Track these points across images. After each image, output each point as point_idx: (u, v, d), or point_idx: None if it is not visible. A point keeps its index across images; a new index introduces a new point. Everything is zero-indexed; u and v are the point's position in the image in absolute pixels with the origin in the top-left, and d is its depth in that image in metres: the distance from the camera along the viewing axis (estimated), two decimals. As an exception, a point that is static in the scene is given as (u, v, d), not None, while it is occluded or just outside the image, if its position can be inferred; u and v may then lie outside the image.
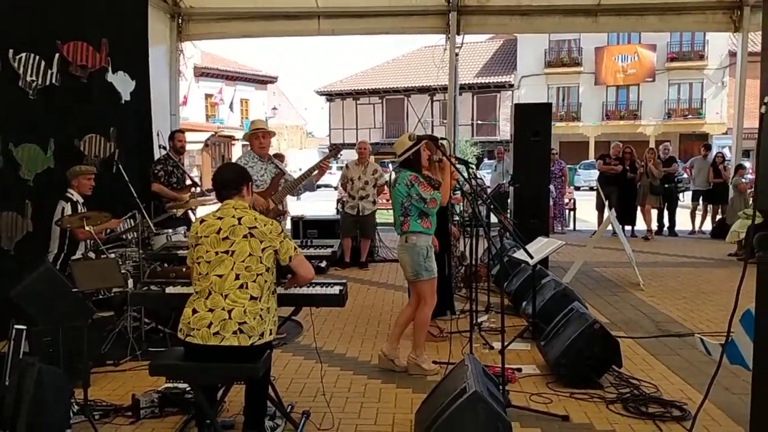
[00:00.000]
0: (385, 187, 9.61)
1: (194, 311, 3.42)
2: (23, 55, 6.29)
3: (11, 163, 6.16)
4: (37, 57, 6.48)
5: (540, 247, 5.91)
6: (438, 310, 5.96)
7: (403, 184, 4.94)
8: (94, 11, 7.44)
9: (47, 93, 6.64)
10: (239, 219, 3.48)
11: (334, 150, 6.77)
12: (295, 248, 3.63)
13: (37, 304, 4.81)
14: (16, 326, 4.20)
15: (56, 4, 6.76)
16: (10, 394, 3.65)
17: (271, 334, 3.51)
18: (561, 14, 11.92)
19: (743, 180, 11.86)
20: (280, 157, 6.85)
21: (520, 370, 5.02)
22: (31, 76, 6.41)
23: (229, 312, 3.37)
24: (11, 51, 6.13)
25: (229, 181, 3.66)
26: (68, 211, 5.88)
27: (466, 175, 5.18)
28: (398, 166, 5.26)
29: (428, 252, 4.95)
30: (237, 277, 3.41)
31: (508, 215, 9.52)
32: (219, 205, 3.65)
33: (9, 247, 6.10)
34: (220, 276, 3.42)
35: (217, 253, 3.44)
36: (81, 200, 6.11)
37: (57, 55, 6.81)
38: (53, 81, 6.74)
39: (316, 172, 6.02)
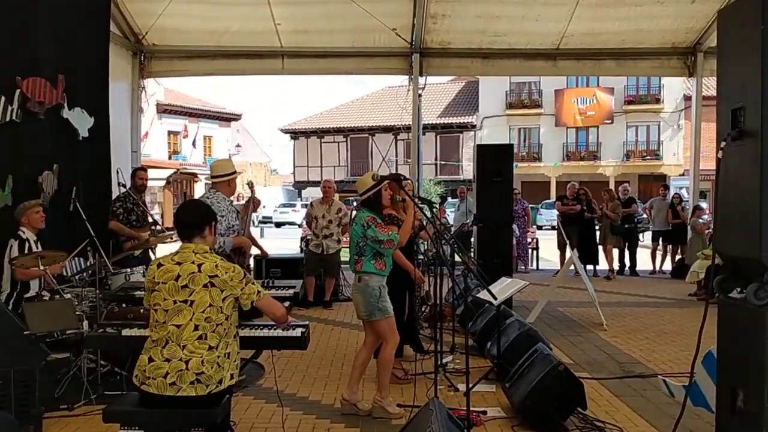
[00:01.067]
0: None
1: (150, 359, 3.29)
2: (-21, 92, 6.19)
3: (-30, 200, 6.01)
4: (-3, 93, 6.39)
5: (503, 288, 5.90)
6: (401, 346, 5.94)
7: (359, 224, 4.92)
8: (52, 47, 7.35)
9: (7, 129, 6.52)
10: (199, 266, 3.33)
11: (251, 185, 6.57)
12: (258, 292, 3.50)
13: (-13, 347, 4.63)
14: (-36, 370, 4.03)
15: (15, 40, 6.66)
16: (-46, 442, 3.48)
17: (232, 378, 3.40)
18: (521, 57, 12.17)
19: (701, 221, 12.10)
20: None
21: (485, 412, 4.96)
22: (-12, 112, 6.30)
23: (186, 363, 3.25)
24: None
25: (193, 221, 3.49)
26: (15, 249, 5.71)
27: (429, 214, 5.17)
28: (359, 205, 5.24)
29: (381, 292, 4.91)
30: (196, 328, 3.29)
31: (472, 254, 9.54)
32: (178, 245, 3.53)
33: (-38, 288, 5.89)
34: (178, 326, 3.29)
35: (175, 302, 3.30)
36: (33, 237, 5.94)
37: (18, 91, 6.71)
38: (14, 117, 6.64)
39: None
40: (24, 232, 5.88)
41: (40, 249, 5.88)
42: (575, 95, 37.43)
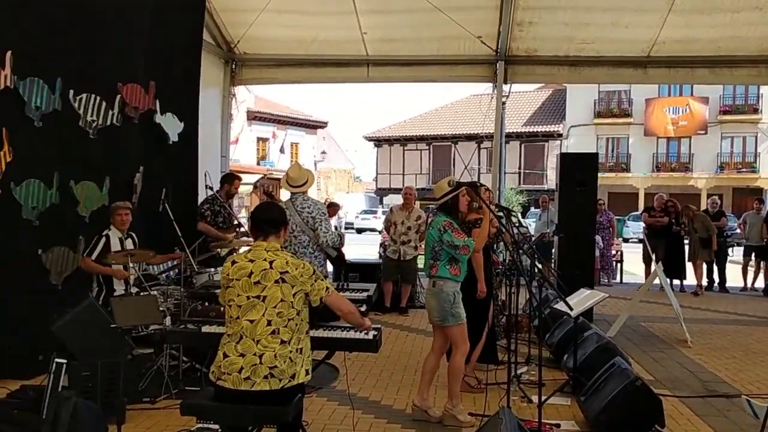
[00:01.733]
0: None
1: (225, 355, 3.42)
2: (84, 95, 6.54)
3: (70, 199, 6.36)
4: (98, 98, 6.73)
5: (581, 299, 5.78)
6: (482, 355, 5.91)
7: (435, 229, 4.93)
8: (147, 54, 7.68)
9: (107, 132, 6.87)
10: (271, 263, 3.46)
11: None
12: (327, 288, 3.60)
13: (78, 339, 4.90)
14: (57, 360, 4.27)
15: (113, 48, 7.01)
16: (45, 427, 3.69)
17: (307, 374, 3.50)
18: (610, 65, 11.86)
19: (798, 236, 11.50)
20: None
21: (558, 425, 4.88)
22: (91, 116, 6.65)
23: (260, 357, 3.36)
24: (71, 91, 6.37)
25: (270, 220, 3.64)
26: (99, 247, 5.99)
27: (508, 222, 5.14)
28: (435, 210, 5.27)
29: (455, 297, 4.90)
30: (269, 323, 3.40)
31: (552, 265, 9.38)
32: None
33: (57, 282, 6.24)
34: (252, 321, 3.40)
35: (248, 298, 3.42)
36: (119, 235, 6.20)
37: (118, 96, 7.07)
38: (114, 121, 6.99)
39: None
40: (110, 230, 6.17)
41: (125, 248, 6.15)
42: (667, 104, 36.22)
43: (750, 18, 10.59)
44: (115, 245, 6.08)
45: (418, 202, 10.63)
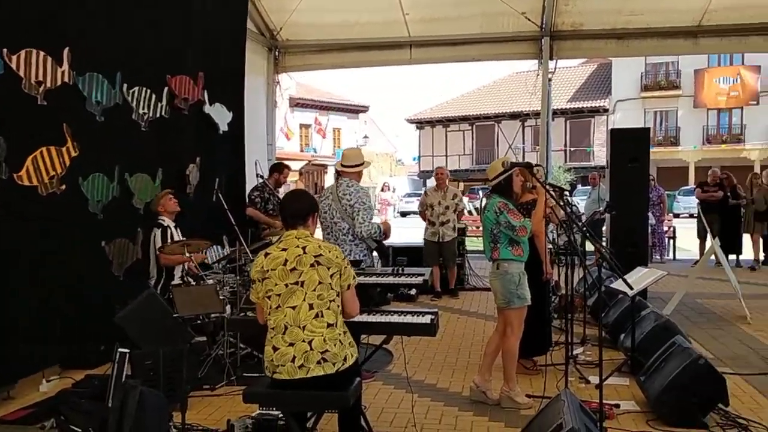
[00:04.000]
0: (466, 212, 9.41)
1: (275, 348, 3.41)
2: (136, 89, 6.64)
3: (126, 191, 6.50)
4: (148, 90, 6.83)
5: (640, 278, 5.69)
6: (537, 346, 5.81)
7: (492, 211, 4.87)
8: (194, 45, 7.77)
9: (157, 125, 6.98)
10: (303, 248, 3.45)
11: None
12: (354, 277, 3.61)
13: (140, 329, 5.01)
14: (120, 350, 4.37)
15: (162, 40, 7.09)
16: (113, 415, 3.79)
17: (353, 356, 3.50)
18: (659, 36, 11.55)
19: None
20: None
21: (618, 406, 4.82)
22: (143, 108, 6.76)
23: (310, 343, 3.36)
24: (125, 85, 6.48)
25: (299, 211, 3.62)
26: (159, 237, 6.11)
27: (561, 202, 5.06)
28: (488, 192, 5.20)
29: (521, 278, 4.86)
30: (311, 307, 3.39)
31: (604, 244, 9.24)
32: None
33: (119, 273, 6.39)
34: (294, 308, 3.40)
35: (287, 285, 3.42)
36: (173, 223, 6.32)
37: (166, 88, 7.16)
38: (163, 113, 7.09)
39: None
40: (164, 220, 6.28)
41: (179, 234, 6.26)
42: (717, 75, 35.24)
43: (806, -19, 10.20)
44: (175, 235, 6.20)
45: (461, 184, 10.51)
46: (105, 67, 6.15)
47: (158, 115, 7.01)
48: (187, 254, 5.78)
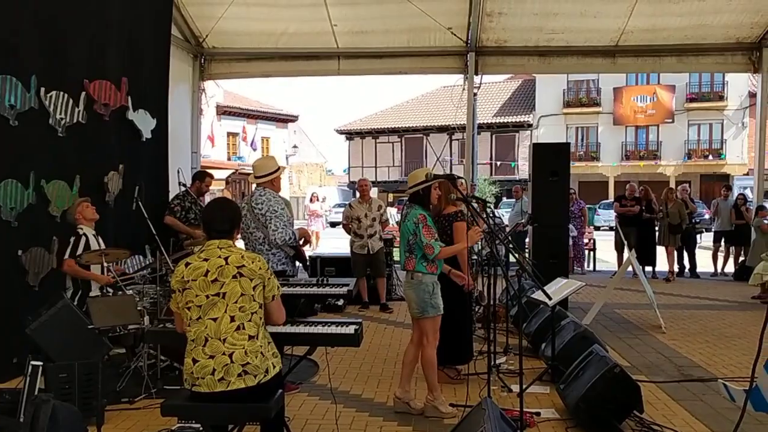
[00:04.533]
0: (392, 222, 9.36)
1: (195, 360, 3.33)
2: (53, 93, 6.42)
3: (42, 199, 6.26)
4: (66, 95, 6.61)
5: (559, 288, 5.83)
6: (459, 354, 5.87)
7: (411, 222, 4.90)
8: (116, 51, 7.58)
9: (75, 130, 6.76)
10: (226, 259, 3.38)
11: None
12: (279, 288, 3.57)
13: (54, 341, 4.83)
14: (33, 362, 4.20)
15: (82, 43, 6.90)
16: (23, 430, 3.63)
17: (275, 367, 3.45)
18: (579, 55, 12.00)
19: (765, 221, 11.71)
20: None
21: (539, 414, 4.92)
22: (60, 113, 6.53)
23: (230, 355, 3.29)
24: (42, 89, 6.25)
25: (222, 220, 3.53)
26: (80, 247, 5.87)
27: (483, 213, 5.14)
28: (408, 202, 5.23)
29: (434, 288, 4.90)
30: (232, 319, 3.33)
31: (527, 255, 9.43)
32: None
33: (35, 283, 6.15)
34: (215, 320, 3.32)
35: (207, 297, 3.34)
36: (92, 232, 6.09)
37: (83, 93, 6.94)
38: (80, 119, 6.86)
39: None
40: (82, 229, 6.05)
41: (100, 243, 6.06)
42: (635, 93, 36.66)
43: (715, 6, 10.79)
44: (93, 244, 5.98)
45: (390, 195, 10.53)
46: (19, 69, 5.92)
47: (76, 120, 6.79)
48: (105, 264, 5.61)
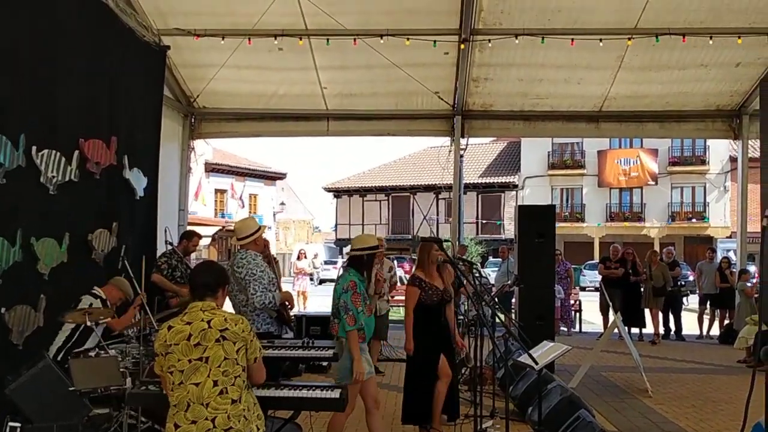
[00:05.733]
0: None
1: (176, 426, 3.27)
2: (45, 151, 6.42)
3: (30, 256, 6.21)
4: (58, 153, 6.60)
5: (545, 352, 5.82)
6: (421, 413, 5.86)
7: (341, 285, 4.90)
8: (109, 110, 7.65)
9: (66, 188, 6.75)
10: (209, 322, 3.34)
11: None
12: (260, 349, 3.54)
13: (33, 402, 4.74)
14: (11, 423, 4.13)
15: (75, 103, 6.96)
16: (-1, 496, 3.55)
17: (258, 429, 3.40)
18: (563, 119, 12.23)
19: (748, 284, 11.79)
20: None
21: (525, 480, 4.86)
22: (52, 172, 6.53)
23: (213, 420, 3.24)
24: (34, 148, 6.26)
25: (208, 282, 3.52)
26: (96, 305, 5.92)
27: (471, 275, 5.18)
28: (346, 264, 5.23)
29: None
30: (215, 384, 3.28)
31: (513, 316, 9.43)
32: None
33: (18, 342, 6.02)
34: (197, 384, 3.28)
35: (190, 361, 3.29)
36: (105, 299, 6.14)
37: (77, 151, 6.96)
38: (72, 177, 6.86)
39: None
40: (101, 293, 6.14)
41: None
42: (618, 156, 37.29)
43: (696, 75, 11.08)
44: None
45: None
46: (9, 128, 5.95)
47: (68, 178, 6.80)
48: (88, 323, 5.56)
